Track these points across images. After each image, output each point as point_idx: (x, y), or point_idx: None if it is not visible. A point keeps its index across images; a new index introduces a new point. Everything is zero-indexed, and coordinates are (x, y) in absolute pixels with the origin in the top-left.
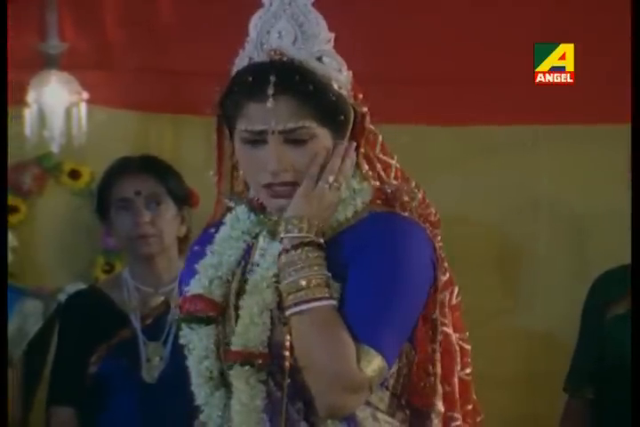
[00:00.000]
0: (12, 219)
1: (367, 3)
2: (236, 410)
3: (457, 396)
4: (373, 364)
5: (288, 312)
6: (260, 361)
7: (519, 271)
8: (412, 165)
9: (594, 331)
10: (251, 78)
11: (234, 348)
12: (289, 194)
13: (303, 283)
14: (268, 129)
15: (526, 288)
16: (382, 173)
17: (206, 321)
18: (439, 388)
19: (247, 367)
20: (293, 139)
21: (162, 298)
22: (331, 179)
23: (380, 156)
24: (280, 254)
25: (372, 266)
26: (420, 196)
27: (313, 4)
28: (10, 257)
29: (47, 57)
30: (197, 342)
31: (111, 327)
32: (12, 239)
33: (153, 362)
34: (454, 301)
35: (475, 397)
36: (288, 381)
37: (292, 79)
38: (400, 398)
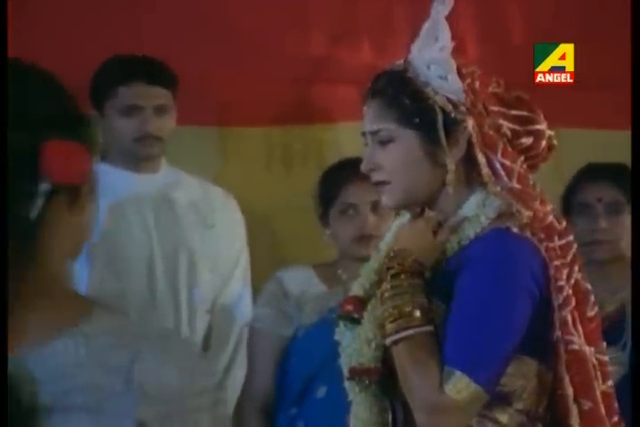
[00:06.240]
0: None
1: None
2: (353, 423)
3: (602, 411)
4: (460, 387)
5: (386, 341)
6: (372, 377)
7: None
8: None
9: None
10: (369, 84)
11: (352, 363)
12: (382, 191)
13: (394, 311)
14: (364, 131)
15: None
16: (505, 178)
17: (358, 322)
18: (574, 409)
19: (356, 382)
20: (380, 140)
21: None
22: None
23: (502, 160)
24: (383, 282)
25: (469, 287)
26: (537, 205)
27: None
28: None
29: None
30: (350, 341)
31: None
32: None
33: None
34: (590, 313)
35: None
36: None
37: (381, 84)
38: (531, 416)
